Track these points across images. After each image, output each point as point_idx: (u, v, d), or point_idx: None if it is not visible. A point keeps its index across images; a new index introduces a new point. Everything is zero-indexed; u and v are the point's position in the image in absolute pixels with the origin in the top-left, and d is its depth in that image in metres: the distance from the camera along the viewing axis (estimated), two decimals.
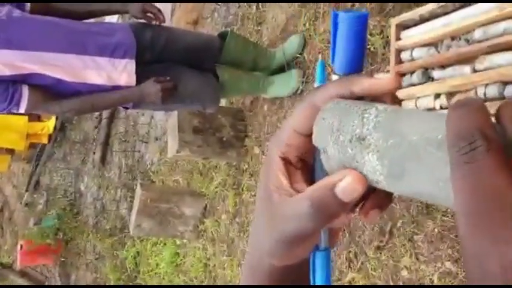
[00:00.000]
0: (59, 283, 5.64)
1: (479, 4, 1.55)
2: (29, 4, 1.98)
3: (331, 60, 0.34)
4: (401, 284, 1.93)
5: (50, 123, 5.40)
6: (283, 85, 2.49)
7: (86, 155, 5.28)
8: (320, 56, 2.44)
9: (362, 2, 2.21)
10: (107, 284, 4.49)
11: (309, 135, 0.32)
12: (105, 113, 4.74)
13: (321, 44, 2.43)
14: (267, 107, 2.73)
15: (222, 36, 2.33)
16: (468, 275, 0.22)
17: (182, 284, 3.39)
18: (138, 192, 3.10)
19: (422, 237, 1.86)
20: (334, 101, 0.31)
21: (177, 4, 3.70)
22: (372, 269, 2.05)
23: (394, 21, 1.86)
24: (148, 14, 2.12)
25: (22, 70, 1.82)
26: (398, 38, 1.86)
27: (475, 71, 1.62)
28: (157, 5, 2.18)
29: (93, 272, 4.84)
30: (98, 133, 4.95)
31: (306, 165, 0.33)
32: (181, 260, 3.44)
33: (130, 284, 4.06)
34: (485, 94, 1.57)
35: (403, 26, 1.86)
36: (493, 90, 1.54)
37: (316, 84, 0.39)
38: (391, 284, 1.96)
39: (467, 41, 1.67)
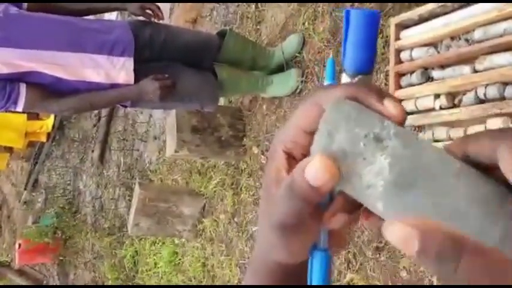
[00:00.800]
0: (57, 282, 5.63)
1: (479, 4, 1.54)
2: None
3: (341, 58, 0.33)
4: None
5: (48, 122, 5.39)
6: (282, 84, 2.48)
7: (84, 154, 5.27)
8: (323, 54, 2.43)
9: (362, 2, 2.20)
10: (104, 284, 4.48)
11: (312, 133, 0.32)
12: (104, 112, 4.73)
13: (320, 43, 2.42)
14: (266, 107, 2.73)
15: (221, 34, 2.32)
16: None
17: (181, 283, 3.38)
18: (137, 191, 3.09)
19: None
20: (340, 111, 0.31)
21: (176, 2, 3.69)
22: (370, 269, 2.04)
23: (393, 20, 1.86)
24: (147, 11, 2.11)
25: (19, 68, 1.81)
26: (397, 38, 1.86)
27: (475, 71, 1.61)
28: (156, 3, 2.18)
29: (92, 271, 4.83)
30: (96, 131, 4.94)
31: None
32: (179, 259, 3.43)
33: (130, 283, 4.05)
34: (485, 95, 1.56)
35: (403, 26, 1.85)
36: (493, 91, 1.53)
37: (325, 82, 0.38)
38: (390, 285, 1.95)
39: (467, 41, 1.66)
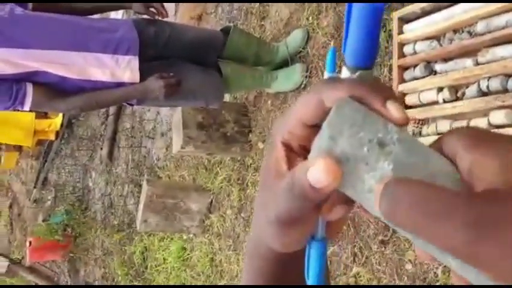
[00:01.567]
0: (68, 279, 5.69)
1: None
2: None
3: (342, 50, 0.32)
4: (405, 278, 1.93)
5: (57, 120, 5.44)
6: (286, 80, 2.49)
7: (93, 151, 5.31)
8: (332, 43, 2.43)
9: None
10: (112, 285, 4.53)
11: (313, 126, 0.32)
12: (112, 109, 4.77)
13: (324, 38, 2.42)
14: (271, 102, 2.74)
15: (225, 31, 2.33)
16: None
17: (189, 278, 3.41)
18: (144, 187, 3.12)
19: None
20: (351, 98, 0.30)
21: (180, 3, 3.70)
22: (376, 263, 2.05)
23: (396, 14, 1.86)
24: (151, 9, 2.12)
25: (26, 68, 1.84)
26: (400, 32, 1.86)
27: (477, 63, 1.61)
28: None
29: (102, 268, 4.88)
30: (105, 129, 4.97)
31: (308, 152, 0.33)
32: (188, 254, 3.46)
33: (139, 279, 4.09)
34: (488, 87, 1.57)
35: (406, 20, 1.85)
36: (495, 83, 1.53)
37: (326, 73, 0.37)
38: (396, 278, 1.96)
39: (470, 33, 1.66)
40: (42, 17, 1.93)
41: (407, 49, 1.82)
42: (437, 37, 1.75)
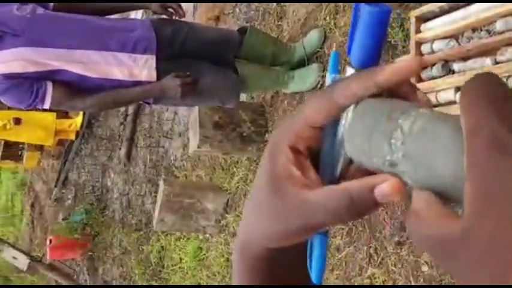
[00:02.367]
0: (86, 277, 5.76)
1: None
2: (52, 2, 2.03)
3: (347, 52, 0.33)
4: (421, 280, 1.91)
5: (77, 120, 5.52)
6: (303, 80, 2.49)
7: (112, 151, 5.38)
8: (344, 49, 2.42)
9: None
10: (131, 284, 4.57)
11: (319, 128, 0.32)
12: (131, 110, 4.82)
13: (341, 37, 2.42)
14: (287, 102, 2.73)
15: (242, 31, 2.33)
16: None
17: (205, 278, 3.42)
18: (161, 187, 3.15)
19: None
20: (363, 109, 0.31)
21: (198, 3, 3.73)
22: (392, 264, 2.03)
23: (414, 13, 1.84)
24: (169, 9, 2.15)
25: (46, 67, 1.88)
26: (418, 31, 1.84)
27: (496, 62, 1.59)
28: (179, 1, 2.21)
29: (119, 266, 4.93)
30: (123, 129, 5.03)
31: (311, 151, 0.34)
32: (204, 254, 3.47)
33: (156, 278, 4.12)
34: None
35: (423, 19, 1.83)
36: None
37: (328, 75, 0.38)
38: (412, 280, 1.94)
39: (489, 32, 1.64)
40: (62, 16, 1.97)
41: (424, 48, 1.81)
42: (455, 36, 1.73)
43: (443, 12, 1.75)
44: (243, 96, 3.00)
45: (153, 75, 2.03)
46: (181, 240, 3.74)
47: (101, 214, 5.42)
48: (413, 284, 1.92)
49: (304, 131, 0.32)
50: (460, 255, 0.23)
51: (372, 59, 0.32)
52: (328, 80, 0.36)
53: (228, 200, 3.20)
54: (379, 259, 2.08)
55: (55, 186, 6.62)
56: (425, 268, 1.89)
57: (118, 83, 1.98)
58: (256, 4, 3.13)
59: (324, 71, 2.48)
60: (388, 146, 0.28)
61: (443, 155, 0.26)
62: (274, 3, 2.94)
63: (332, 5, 2.49)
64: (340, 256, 2.28)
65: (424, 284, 1.87)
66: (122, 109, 5.06)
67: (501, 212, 0.22)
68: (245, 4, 3.25)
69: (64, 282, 5.78)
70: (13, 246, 6.20)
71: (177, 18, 2.17)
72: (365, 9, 0.31)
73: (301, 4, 2.74)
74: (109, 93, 1.98)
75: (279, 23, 2.90)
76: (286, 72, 2.50)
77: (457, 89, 1.67)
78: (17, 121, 5.03)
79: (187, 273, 3.64)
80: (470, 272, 0.23)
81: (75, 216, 5.71)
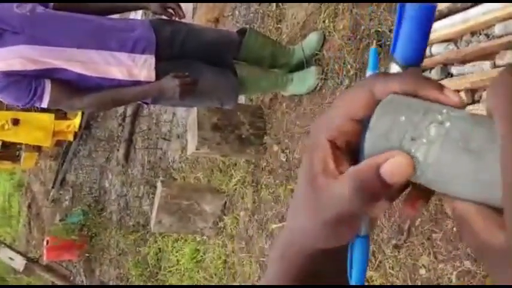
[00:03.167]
0: (83, 278, 5.75)
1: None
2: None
3: (391, 49, 0.33)
4: (419, 283, 1.91)
5: (76, 121, 5.51)
6: (302, 82, 2.49)
7: (110, 153, 5.37)
8: (343, 52, 2.42)
9: (381, 2, 2.19)
10: (127, 285, 4.56)
11: (360, 121, 0.32)
12: (129, 111, 4.82)
13: (340, 41, 2.42)
14: (286, 105, 2.74)
15: (241, 33, 2.34)
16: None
17: (202, 280, 3.41)
18: (159, 188, 3.14)
19: (440, 235, 1.83)
20: (399, 99, 0.30)
21: (198, 2, 3.73)
22: (390, 267, 2.03)
23: None
24: (169, 10, 2.15)
25: (45, 65, 1.88)
26: None
27: (495, 66, 1.59)
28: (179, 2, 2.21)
29: (117, 268, 4.92)
30: (122, 131, 5.03)
31: (351, 146, 0.33)
32: (201, 256, 3.47)
33: (153, 280, 4.11)
34: None
35: None
36: None
37: (368, 71, 0.38)
38: (409, 283, 1.93)
39: (488, 36, 1.64)
40: (62, 15, 1.97)
41: None
42: (454, 39, 1.73)
43: (442, 16, 1.75)
44: (242, 99, 3.01)
45: (152, 75, 2.04)
46: (179, 242, 3.73)
47: (99, 215, 5.41)
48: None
49: (345, 125, 0.32)
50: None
51: (417, 56, 0.32)
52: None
53: (225, 202, 3.20)
54: (377, 262, 2.08)
55: (52, 187, 6.61)
56: (422, 271, 1.89)
57: (117, 83, 1.98)
58: (256, 6, 3.13)
59: (322, 73, 2.49)
60: (426, 125, 0.29)
61: (476, 153, 0.27)
62: (274, 6, 2.95)
63: (331, 8, 2.50)
64: None
65: (421, 284, 1.87)
66: (120, 110, 5.06)
67: None
68: (244, 6, 3.26)
69: (61, 284, 5.76)
70: (10, 247, 6.18)
71: (176, 19, 2.18)
72: (411, 7, 0.31)
73: (300, 7, 2.74)
74: (107, 92, 1.98)
75: (278, 25, 2.91)
76: (285, 74, 2.50)
77: (456, 92, 1.67)
78: (15, 122, 5.02)
79: (184, 274, 3.64)
80: None
81: (73, 217, 5.70)
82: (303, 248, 0.35)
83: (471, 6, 1.64)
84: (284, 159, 2.71)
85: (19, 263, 5.75)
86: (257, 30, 2.56)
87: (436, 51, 1.76)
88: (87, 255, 5.57)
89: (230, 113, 2.71)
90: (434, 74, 1.75)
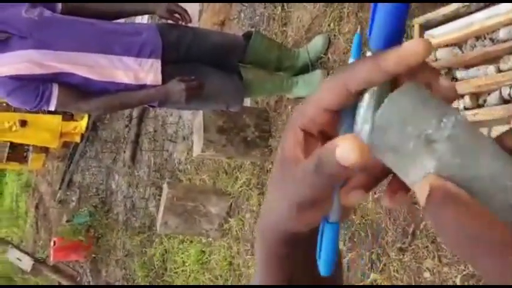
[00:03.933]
0: (90, 279, 5.78)
1: (504, 4, 1.53)
2: (60, 5, 2.05)
3: (367, 34, 0.32)
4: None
5: (82, 123, 5.55)
6: (307, 85, 2.50)
7: (116, 154, 5.40)
8: (348, 55, 2.43)
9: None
10: (134, 285, 4.58)
11: (334, 112, 0.32)
12: (135, 113, 4.84)
13: (345, 44, 2.43)
14: (291, 107, 2.75)
15: (247, 36, 2.35)
16: None
17: (207, 282, 3.43)
18: (165, 190, 3.16)
19: None
20: (415, 85, 0.29)
21: (205, 5, 3.75)
22: (394, 270, 2.03)
23: (417, 21, 1.85)
24: (175, 15, 2.17)
25: (52, 69, 1.90)
26: None
27: (499, 71, 1.59)
28: (185, 6, 2.23)
29: (123, 269, 4.94)
30: (128, 132, 5.05)
31: (326, 137, 0.33)
32: (207, 258, 3.48)
33: (159, 281, 4.13)
34: (510, 95, 1.55)
35: (427, 26, 1.84)
36: None
37: (350, 59, 0.37)
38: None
39: (492, 40, 1.64)
40: (69, 20, 1.99)
41: None
42: (459, 44, 1.73)
43: (447, 20, 1.76)
44: (247, 101, 3.02)
45: (159, 79, 2.05)
46: (184, 243, 3.75)
47: (105, 216, 5.44)
48: None
49: (319, 116, 0.32)
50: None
51: (392, 42, 0.30)
52: None
53: (231, 204, 3.21)
54: (382, 265, 2.09)
55: (59, 188, 6.65)
56: (427, 274, 1.89)
57: (123, 87, 2.00)
58: (261, 10, 3.14)
59: (327, 76, 2.49)
60: (436, 121, 0.28)
61: (491, 155, 0.26)
62: (279, 9, 2.96)
63: (336, 11, 2.51)
64: (342, 262, 2.28)
65: (423, 284, 1.87)
66: (127, 112, 5.09)
67: None
68: (250, 9, 3.27)
69: (67, 284, 5.80)
70: (17, 248, 6.23)
71: (183, 23, 2.19)
72: (382, 5, 0.30)
73: (305, 10, 2.75)
74: (114, 96, 2.00)
75: (284, 28, 2.92)
76: (290, 77, 2.51)
77: (460, 96, 1.67)
78: (23, 123, 5.07)
79: (189, 276, 3.65)
80: None
81: (79, 218, 5.74)
82: (276, 230, 0.36)
83: (466, 14, 1.64)
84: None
85: (26, 263, 5.79)
86: (263, 33, 2.57)
87: (441, 55, 1.76)
88: (93, 256, 5.60)
89: (236, 115, 2.72)
90: None
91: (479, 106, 1.64)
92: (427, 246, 1.90)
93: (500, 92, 1.56)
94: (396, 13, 0.29)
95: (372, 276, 2.13)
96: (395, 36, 0.30)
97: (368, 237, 2.16)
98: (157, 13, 2.16)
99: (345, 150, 0.28)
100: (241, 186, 3.11)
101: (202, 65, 2.19)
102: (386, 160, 0.30)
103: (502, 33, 1.58)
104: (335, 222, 0.34)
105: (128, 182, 5.00)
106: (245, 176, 3.08)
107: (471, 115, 1.61)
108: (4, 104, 5.44)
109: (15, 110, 5.19)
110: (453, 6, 1.69)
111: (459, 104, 1.67)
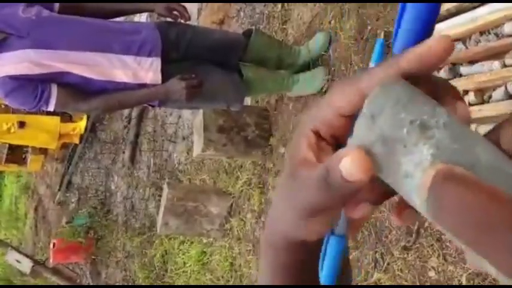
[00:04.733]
0: (89, 280, 5.76)
1: None
2: (57, 4, 2.03)
3: (393, 40, 0.31)
4: (428, 285, 1.89)
5: (81, 124, 5.53)
6: (308, 83, 2.48)
7: (116, 155, 5.38)
8: (349, 52, 2.41)
9: (387, 2, 2.18)
10: (135, 284, 4.56)
11: (349, 117, 0.31)
12: (134, 113, 4.82)
13: (346, 41, 2.40)
14: (292, 106, 2.72)
15: (247, 34, 2.33)
16: None
17: (209, 282, 3.41)
18: (165, 190, 3.14)
19: None
20: (406, 81, 0.28)
21: (204, 4, 3.73)
22: (398, 269, 2.01)
23: None
24: (174, 12, 2.14)
25: (51, 69, 1.87)
26: None
27: (505, 66, 1.57)
28: (184, 5, 2.21)
29: (123, 270, 4.92)
30: (127, 133, 5.03)
31: (338, 141, 0.32)
32: (207, 258, 3.46)
33: (159, 282, 4.10)
34: None
35: None
36: None
37: (371, 63, 0.35)
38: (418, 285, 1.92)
39: (497, 35, 1.62)
40: (67, 19, 1.97)
41: None
42: (463, 39, 1.71)
43: (450, 15, 1.74)
44: (248, 100, 3.00)
45: (158, 78, 2.03)
46: (185, 244, 3.73)
47: (105, 218, 5.42)
48: None
49: (333, 120, 0.31)
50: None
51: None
52: None
53: (232, 203, 3.19)
54: (385, 264, 2.06)
55: (59, 189, 6.62)
56: (432, 273, 1.87)
57: (123, 86, 1.98)
58: (261, 8, 3.12)
59: (329, 74, 2.47)
60: (431, 108, 0.27)
61: (485, 142, 0.26)
62: (279, 7, 2.93)
63: (337, 8, 2.49)
64: None
65: (428, 284, 1.85)
66: (126, 113, 5.06)
67: None
68: (250, 7, 3.25)
69: (67, 284, 5.78)
70: (16, 250, 6.21)
71: (182, 21, 2.17)
72: (413, 5, 0.29)
73: (306, 7, 2.73)
74: (114, 95, 1.98)
75: (284, 26, 2.90)
76: (291, 75, 2.49)
77: (465, 92, 1.65)
78: (21, 125, 5.04)
79: (190, 277, 3.63)
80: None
81: (79, 219, 5.71)
82: (284, 238, 0.35)
83: (470, 9, 1.62)
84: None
85: (26, 265, 5.77)
86: (263, 31, 2.55)
87: None
88: (93, 257, 5.57)
89: (236, 114, 2.70)
90: (442, 74, 1.73)
91: (484, 102, 1.62)
92: (431, 245, 1.88)
93: (506, 88, 1.54)
94: (426, 15, 0.28)
95: (376, 275, 2.10)
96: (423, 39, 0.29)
97: (371, 236, 2.14)
98: (156, 11, 2.14)
99: (348, 165, 0.27)
100: (242, 186, 3.09)
101: (202, 63, 2.18)
102: (372, 153, 0.28)
103: (506, 28, 1.56)
104: (341, 235, 0.33)
105: (128, 183, 4.98)
106: (246, 176, 3.05)
107: (476, 111, 1.59)
108: (2, 106, 5.41)
109: (14, 111, 5.17)
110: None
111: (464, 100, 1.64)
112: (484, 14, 1.62)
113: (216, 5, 3.59)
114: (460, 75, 1.71)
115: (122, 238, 4.91)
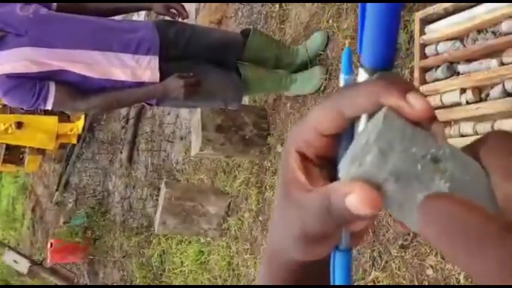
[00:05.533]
0: (87, 280, 5.74)
1: None
2: (55, 3, 2.03)
3: (358, 51, 0.30)
4: (426, 284, 1.89)
5: (79, 124, 5.51)
6: (306, 82, 2.48)
7: (113, 155, 5.37)
8: (347, 43, 2.41)
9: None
10: (133, 284, 4.55)
11: (331, 136, 0.31)
12: (132, 113, 4.81)
13: (344, 40, 2.41)
14: (290, 105, 2.73)
15: (245, 33, 2.33)
16: None
17: (206, 282, 3.40)
18: (163, 190, 3.13)
19: None
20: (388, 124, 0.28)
21: (202, 4, 3.73)
22: (396, 268, 2.01)
23: (418, 15, 1.83)
24: (172, 10, 2.14)
25: (49, 67, 1.87)
26: (422, 33, 1.83)
27: (502, 64, 1.58)
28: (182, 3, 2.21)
29: (120, 270, 4.91)
30: (125, 133, 5.02)
31: (324, 162, 0.32)
32: (205, 258, 3.46)
33: (157, 282, 4.10)
34: None
35: (428, 20, 1.83)
36: None
37: (341, 75, 0.34)
38: (416, 283, 1.92)
39: (494, 33, 1.63)
40: (65, 17, 1.97)
41: (429, 50, 1.80)
42: (460, 37, 1.72)
43: (448, 14, 1.74)
44: (246, 100, 3.00)
45: (156, 76, 2.03)
46: (183, 243, 3.72)
47: (102, 218, 5.41)
48: None
49: (314, 139, 0.31)
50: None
51: (386, 57, 0.29)
52: (341, 81, 0.33)
53: (229, 203, 3.19)
54: (383, 262, 2.07)
55: (56, 189, 6.61)
56: (429, 271, 1.87)
57: (121, 84, 1.98)
58: (259, 7, 3.12)
59: (326, 73, 2.47)
60: (434, 141, 0.26)
61: (480, 169, 0.26)
62: (277, 7, 2.94)
63: (335, 7, 2.49)
64: None
65: (426, 284, 1.86)
66: (124, 113, 5.06)
67: None
68: (247, 7, 3.25)
69: (64, 284, 5.77)
70: (14, 250, 6.19)
71: (180, 19, 2.17)
72: (373, 5, 0.28)
73: (303, 7, 2.74)
74: (112, 93, 1.98)
75: (282, 26, 2.90)
76: (289, 74, 2.49)
77: (462, 90, 1.66)
78: (19, 125, 5.03)
79: (188, 276, 3.62)
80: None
81: (76, 219, 5.70)
82: (282, 257, 0.35)
83: (467, 8, 1.63)
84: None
85: (23, 265, 5.75)
86: (261, 31, 2.55)
87: (442, 49, 1.74)
88: (91, 257, 5.56)
89: (234, 114, 2.70)
90: (440, 72, 1.74)
91: (482, 100, 1.62)
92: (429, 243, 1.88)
93: (503, 86, 1.54)
94: (388, 17, 0.27)
95: (374, 274, 2.11)
96: (389, 48, 0.28)
97: (369, 235, 2.14)
98: (154, 9, 2.14)
99: (354, 200, 0.27)
100: (239, 185, 3.09)
101: (200, 62, 2.18)
102: (383, 189, 0.27)
103: (504, 26, 1.56)
104: (345, 249, 0.33)
105: (125, 183, 4.97)
106: (244, 175, 3.05)
107: (474, 109, 1.59)
108: (0, 106, 5.40)
109: (11, 111, 5.15)
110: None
111: (462, 98, 1.65)
112: (481, 12, 1.62)
113: (214, 4, 3.59)
114: (458, 74, 1.71)
115: (120, 238, 4.90)
